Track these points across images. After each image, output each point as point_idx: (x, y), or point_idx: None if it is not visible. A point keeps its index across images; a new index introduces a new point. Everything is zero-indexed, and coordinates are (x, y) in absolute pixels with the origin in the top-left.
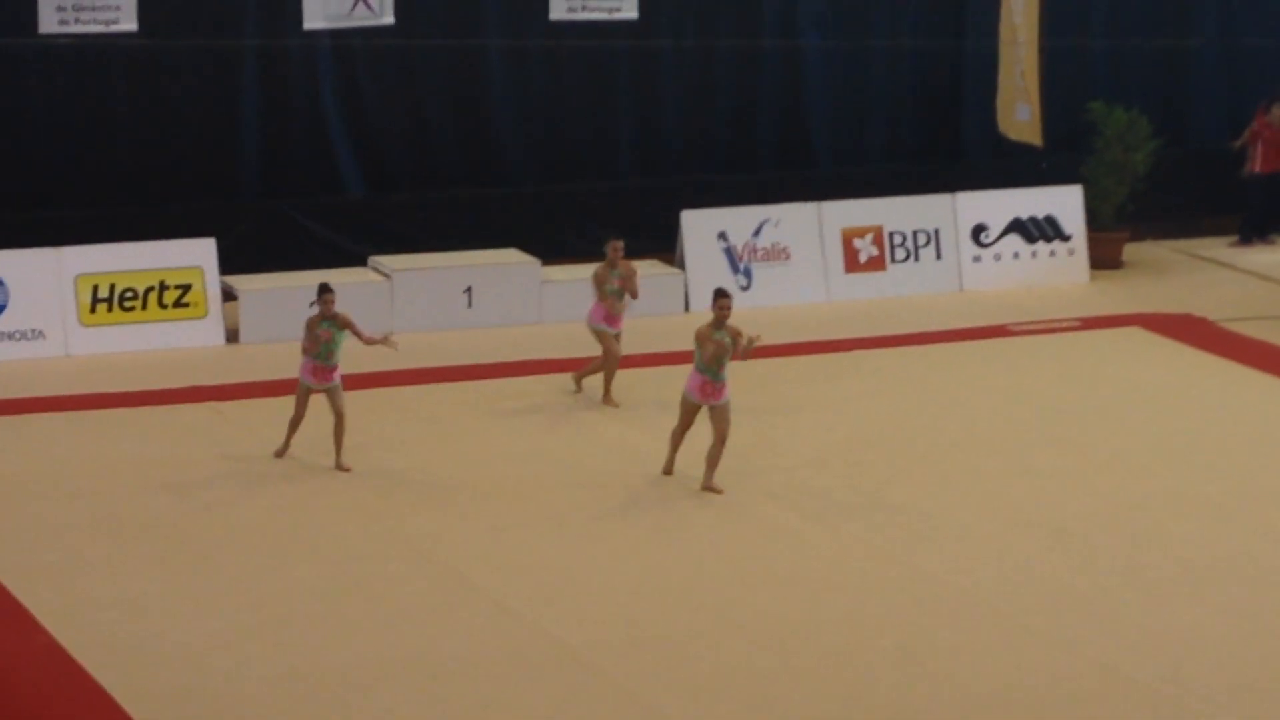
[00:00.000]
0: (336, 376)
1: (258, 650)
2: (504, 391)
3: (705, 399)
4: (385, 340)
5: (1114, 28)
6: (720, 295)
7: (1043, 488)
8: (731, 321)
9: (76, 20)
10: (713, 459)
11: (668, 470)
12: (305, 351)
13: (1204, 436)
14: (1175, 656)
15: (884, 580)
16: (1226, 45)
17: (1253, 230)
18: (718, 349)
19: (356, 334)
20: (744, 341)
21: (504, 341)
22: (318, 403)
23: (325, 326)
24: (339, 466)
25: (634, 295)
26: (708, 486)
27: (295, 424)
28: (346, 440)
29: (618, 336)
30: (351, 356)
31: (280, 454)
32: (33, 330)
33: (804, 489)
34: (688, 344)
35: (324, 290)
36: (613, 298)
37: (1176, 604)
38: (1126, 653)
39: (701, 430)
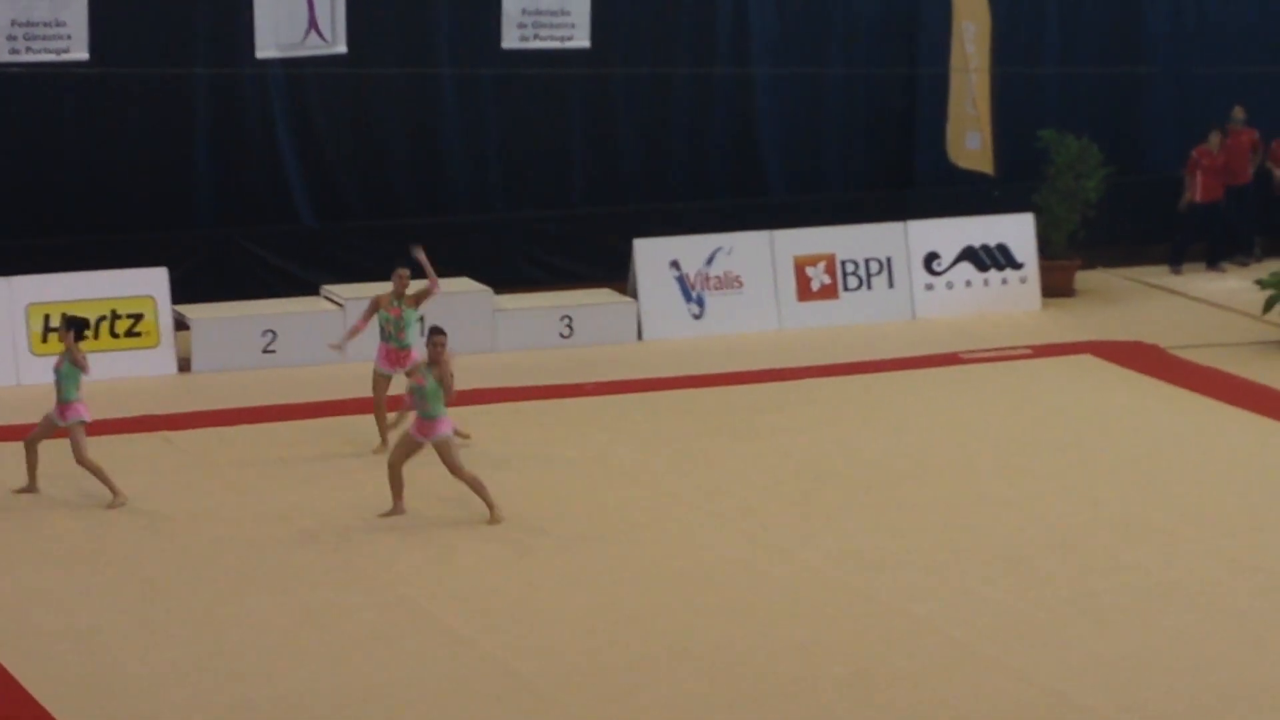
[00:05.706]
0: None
1: (211, 681)
2: (457, 420)
3: (420, 435)
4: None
5: (1065, 56)
6: (435, 332)
7: (995, 515)
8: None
9: (28, 49)
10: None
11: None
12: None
13: (1155, 463)
14: (1126, 683)
15: (836, 609)
16: (1177, 74)
17: (1180, 257)
18: (426, 384)
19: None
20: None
21: (457, 370)
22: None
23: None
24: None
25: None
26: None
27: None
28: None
29: (389, 379)
30: (298, 387)
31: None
32: None
33: (756, 517)
34: (642, 372)
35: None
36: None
37: (1128, 631)
38: (1078, 680)
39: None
